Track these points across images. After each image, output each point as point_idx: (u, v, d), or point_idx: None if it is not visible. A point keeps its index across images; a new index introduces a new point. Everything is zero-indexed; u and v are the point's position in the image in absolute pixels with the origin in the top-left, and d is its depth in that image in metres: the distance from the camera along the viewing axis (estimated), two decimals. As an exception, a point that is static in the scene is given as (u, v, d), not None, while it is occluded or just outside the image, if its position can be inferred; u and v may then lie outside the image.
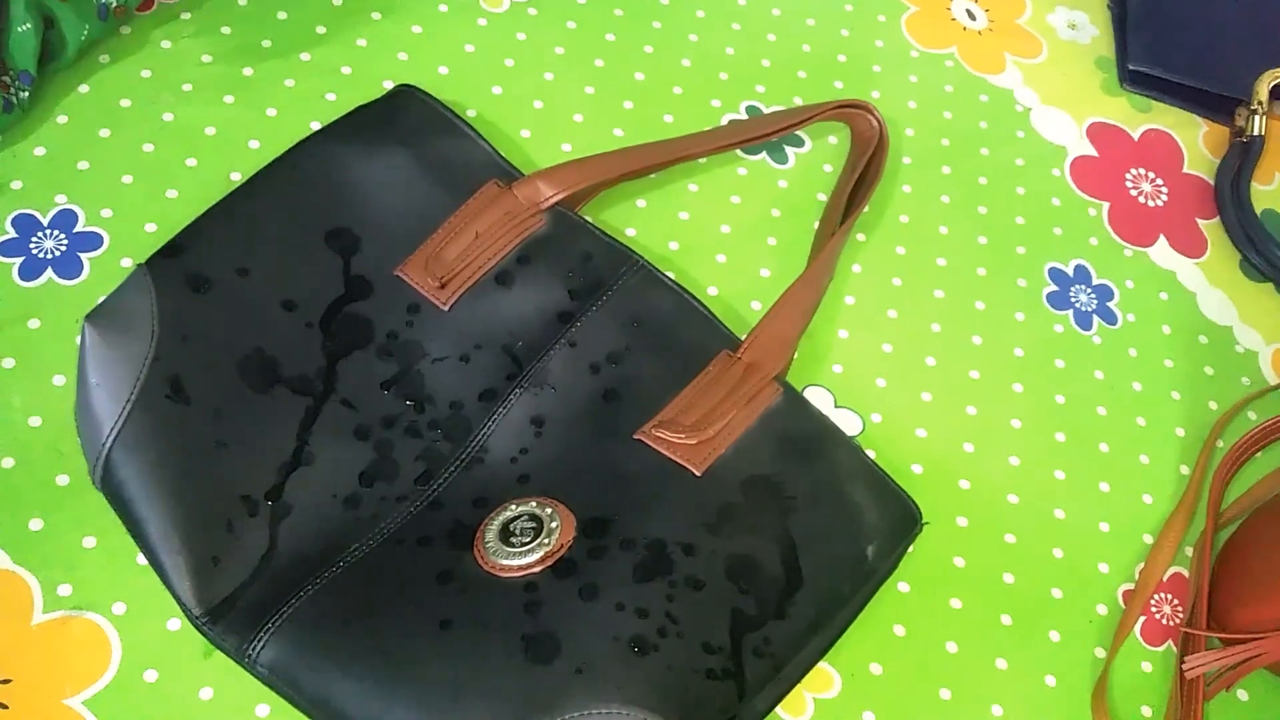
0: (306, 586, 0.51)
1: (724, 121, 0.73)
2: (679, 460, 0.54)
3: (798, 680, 0.53)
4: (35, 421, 0.57)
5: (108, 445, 0.52)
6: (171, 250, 0.56)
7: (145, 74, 0.67)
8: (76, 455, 0.56)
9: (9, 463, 0.55)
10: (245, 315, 0.56)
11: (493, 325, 0.58)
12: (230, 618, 0.51)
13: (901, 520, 0.56)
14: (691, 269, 0.67)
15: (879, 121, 0.71)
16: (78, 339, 0.54)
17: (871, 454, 0.58)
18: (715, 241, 0.68)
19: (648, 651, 0.49)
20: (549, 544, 0.51)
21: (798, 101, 0.74)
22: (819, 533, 0.54)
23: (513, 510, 0.53)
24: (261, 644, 0.50)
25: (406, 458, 0.56)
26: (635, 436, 0.55)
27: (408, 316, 0.58)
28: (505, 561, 0.51)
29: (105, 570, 0.54)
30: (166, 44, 0.68)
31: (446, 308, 0.58)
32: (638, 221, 0.68)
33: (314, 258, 0.58)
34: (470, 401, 0.57)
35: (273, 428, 0.54)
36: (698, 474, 0.54)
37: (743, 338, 0.60)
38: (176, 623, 0.53)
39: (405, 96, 0.64)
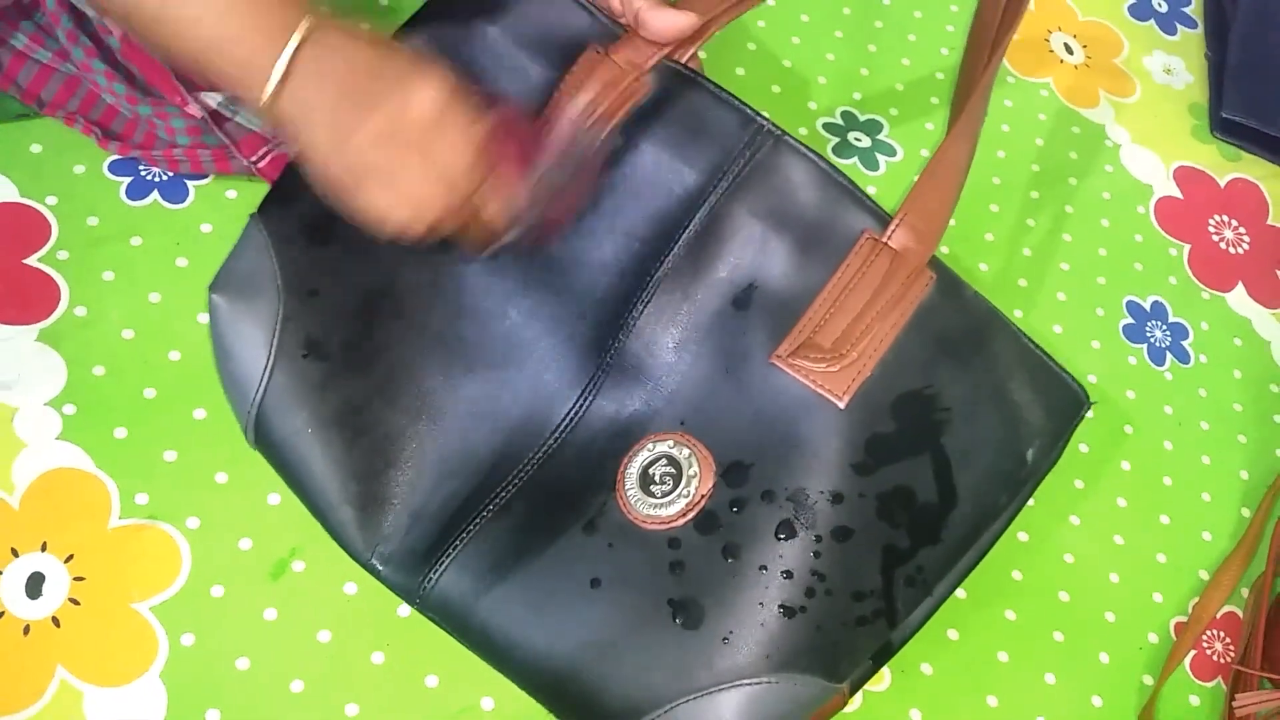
0: (464, 531, 0.51)
1: (818, 124, 0.74)
2: (821, 391, 0.49)
3: (949, 594, 0.51)
4: (129, 334, 0.58)
5: (254, 411, 0.52)
6: (282, 198, 0.54)
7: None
8: (165, 370, 0.57)
9: (100, 371, 0.57)
10: (367, 254, 0.53)
11: (605, 228, 0.52)
12: (398, 560, 0.51)
13: (1066, 409, 0.51)
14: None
15: None
16: (205, 313, 0.53)
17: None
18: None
19: (794, 614, 0.48)
20: (689, 494, 0.50)
21: (893, 113, 0.75)
22: (976, 445, 0.50)
23: (649, 451, 0.51)
24: (431, 585, 0.50)
25: (544, 381, 0.53)
26: (771, 361, 0.50)
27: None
28: (648, 512, 0.50)
29: (183, 484, 0.55)
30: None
31: None
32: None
33: None
34: (596, 317, 0.52)
35: (413, 369, 0.53)
36: (842, 405, 0.49)
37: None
38: (248, 542, 0.54)
39: None
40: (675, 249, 0.51)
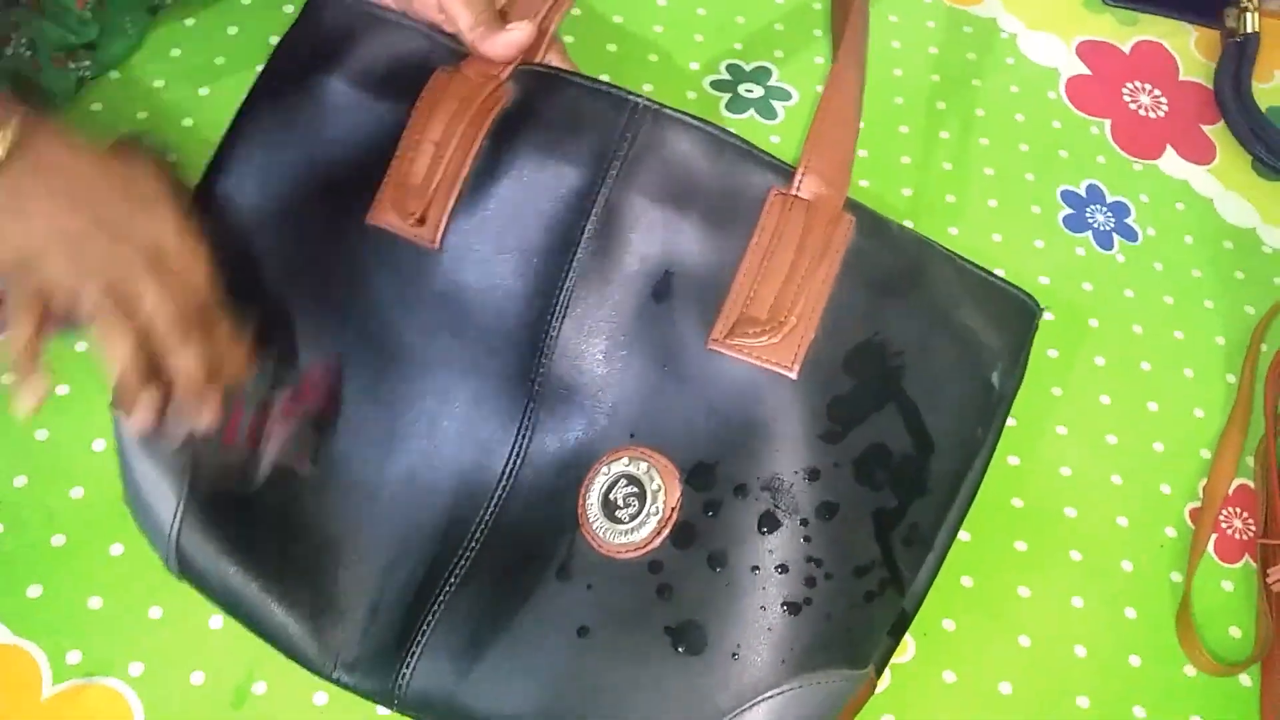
0: (429, 614, 0.47)
1: (705, 84, 0.70)
2: (768, 366, 0.46)
3: (951, 543, 0.48)
4: (20, 481, 0.53)
5: (174, 538, 0.48)
6: None
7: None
8: (69, 511, 0.52)
9: (-2, 529, 0.52)
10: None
11: (495, 252, 0.48)
12: (366, 664, 0.46)
13: (1018, 321, 0.49)
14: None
15: None
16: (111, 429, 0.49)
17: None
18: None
19: (800, 609, 0.44)
20: (658, 510, 0.46)
21: (779, 55, 0.72)
22: (938, 382, 0.47)
23: (605, 474, 0.47)
24: (406, 681, 0.46)
25: (474, 433, 0.48)
26: (709, 347, 0.46)
27: (401, 277, 0.49)
28: (619, 540, 0.46)
29: (116, 630, 0.50)
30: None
31: (436, 246, 0.48)
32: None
33: None
34: (511, 349, 0.48)
35: (339, 458, 0.48)
36: (793, 376, 0.46)
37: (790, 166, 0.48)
38: (200, 675, 0.50)
39: (319, 5, 0.52)
40: (578, 254, 0.47)
